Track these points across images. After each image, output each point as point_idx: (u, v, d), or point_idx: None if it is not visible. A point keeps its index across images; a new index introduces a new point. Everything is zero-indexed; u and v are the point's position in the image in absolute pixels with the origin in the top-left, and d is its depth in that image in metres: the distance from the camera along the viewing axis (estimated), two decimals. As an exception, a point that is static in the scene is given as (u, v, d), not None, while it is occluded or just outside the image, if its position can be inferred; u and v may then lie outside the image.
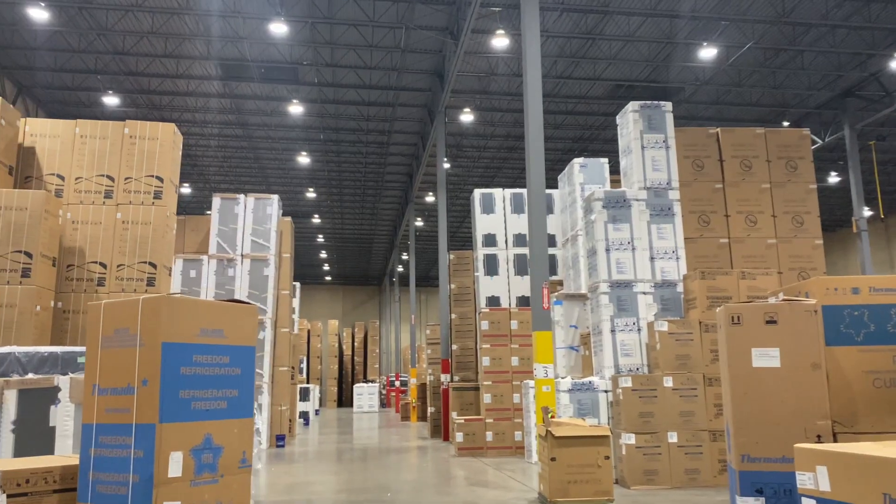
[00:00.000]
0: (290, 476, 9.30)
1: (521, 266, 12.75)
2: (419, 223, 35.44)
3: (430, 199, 30.25)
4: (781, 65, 18.79)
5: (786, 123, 22.42)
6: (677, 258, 8.92)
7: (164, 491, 3.15)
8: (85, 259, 9.79)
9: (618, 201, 8.98)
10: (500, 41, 15.22)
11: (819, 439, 3.80)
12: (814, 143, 22.30)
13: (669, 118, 9.35)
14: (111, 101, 19.48)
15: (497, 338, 12.19)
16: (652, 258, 8.86)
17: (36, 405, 5.55)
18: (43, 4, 14.57)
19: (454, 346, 13.43)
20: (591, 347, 9.24)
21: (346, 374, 39.74)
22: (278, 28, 15.33)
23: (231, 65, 18.10)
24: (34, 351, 6.37)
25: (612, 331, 8.56)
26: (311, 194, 30.04)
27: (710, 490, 7.52)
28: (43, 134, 10.08)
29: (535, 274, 9.05)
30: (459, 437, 11.65)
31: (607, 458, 6.73)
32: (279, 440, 13.79)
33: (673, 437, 7.76)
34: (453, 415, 12.80)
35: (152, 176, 9.98)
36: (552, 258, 12.79)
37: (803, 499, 2.90)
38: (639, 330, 8.57)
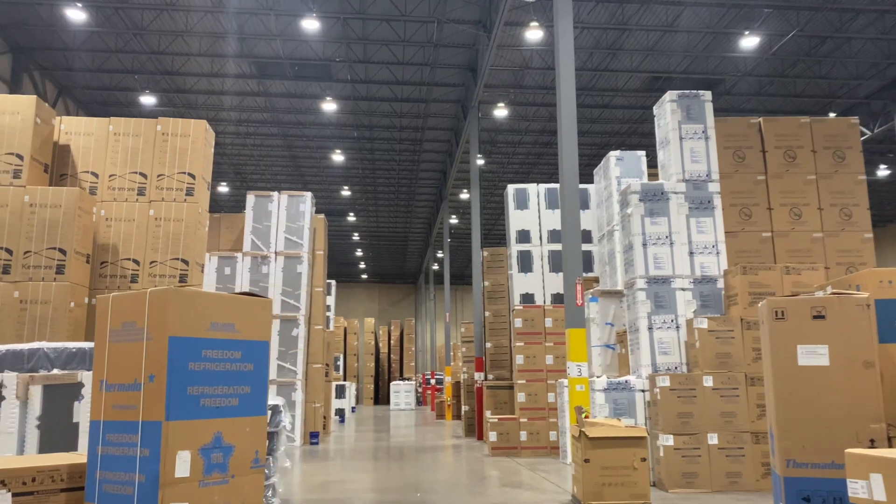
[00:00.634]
0: (322, 474, 9.21)
1: (555, 263, 12.49)
2: (454, 220, 35.27)
3: (464, 195, 30.06)
4: (827, 53, 18.12)
5: (832, 115, 21.67)
6: (717, 253, 8.58)
7: (171, 491, 3.02)
8: (119, 256, 9.85)
9: (655, 194, 8.68)
10: (533, 34, 14.94)
11: (872, 444, 3.51)
12: (862, 134, 21.49)
13: (709, 108, 9.01)
14: (148, 100, 19.72)
15: (531, 335, 11.96)
16: (691, 253, 8.55)
17: (60, 401, 5.52)
18: (80, 5, 14.76)
19: (488, 344, 13.24)
20: (628, 345, 8.96)
21: (382, 372, 39.80)
22: (311, 24, 15.29)
23: (265, 63, 18.16)
24: (62, 347, 6.36)
25: (650, 328, 8.27)
26: (345, 192, 30.09)
27: (752, 495, 7.20)
28: (78, 132, 10.17)
29: (569, 270, 8.80)
30: (493, 436, 11.45)
31: (643, 459, 6.48)
32: (313, 437, 13.76)
33: (713, 439, 7.45)
34: (487, 413, 12.62)
35: (184, 173, 9.99)
36: (588, 254, 12.50)
37: (856, 510, 2.64)
38: (677, 327, 8.27)
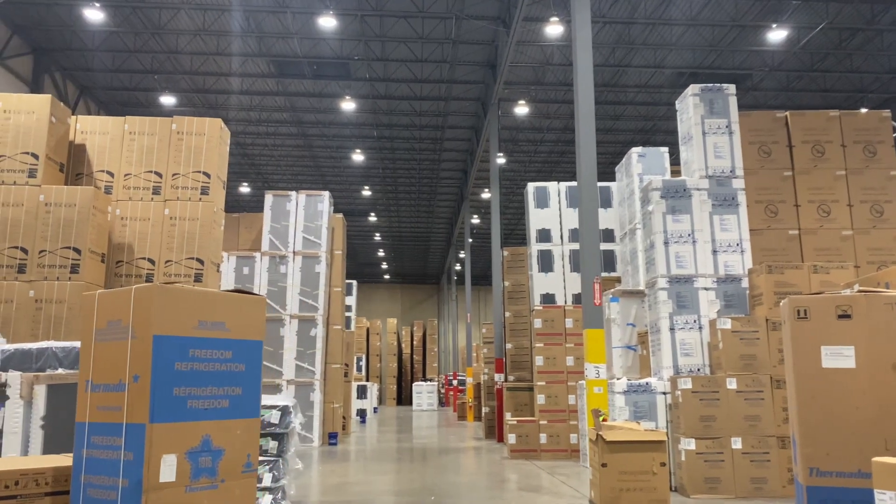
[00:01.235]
0: (337, 475, 9.09)
1: (576, 262, 12.27)
2: (475, 220, 35.07)
3: (485, 195, 29.85)
4: (858, 46, 17.61)
5: (864, 111, 21.07)
6: (742, 251, 8.31)
7: (156, 496, 2.89)
8: (134, 255, 9.82)
9: (677, 191, 8.43)
10: (553, 29, 14.71)
11: (904, 452, 3.27)
12: (894, 129, 20.90)
13: (733, 101, 8.73)
14: (168, 100, 19.82)
15: (551, 336, 11.75)
16: (714, 251, 8.28)
17: (65, 401, 5.45)
18: (98, 5, 14.84)
19: (508, 345, 13.04)
20: (649, 347, 8.71)
21: (405, 373, 39.73)
22: (327, 22, 15.21)
23: (283, 61, 18.14)
24: (71, 346, 6.29)
25: (671, 329, 8.02)
26: (366, 192, 30.05)
27: (777, 501, 6.93)
28: (93, 131, 10.17)
29: (586, 268, 8.58)
30: (512, 438, 11.26)
31: (663, 464, 6.25)
32: (331, 438, 13.67)
33: (737, 443, 7.19)
34: (507, 415, 12.42)
35: (199, 172, 9.94)
36: (610, 254, 12.26)
37: (885, 526, 2.42)
38: (700, 328, 8.01)
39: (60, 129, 9.68)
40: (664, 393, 7.91)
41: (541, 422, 11.28)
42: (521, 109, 20.45)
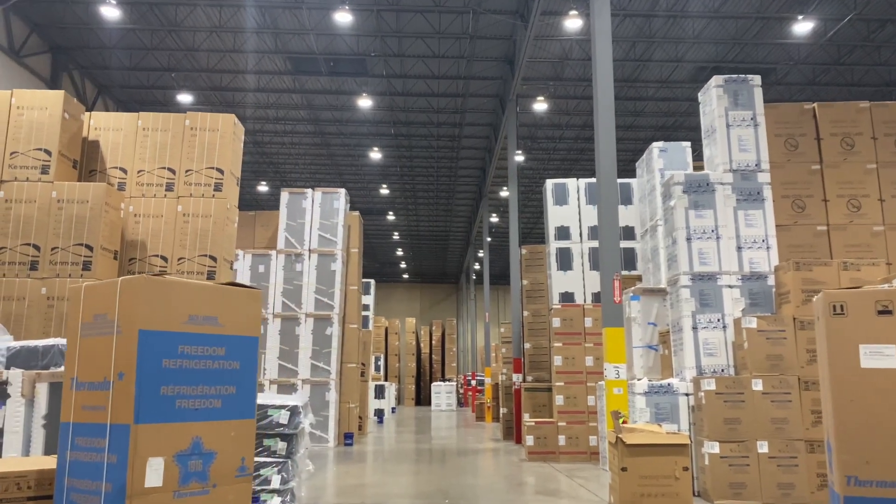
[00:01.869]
0: (350, 477, 8.91)
1: (596, 260, 12.02)
2: (494, 219, 34.80)
3: (504, 193, 29.58)
4: (888, 39, 17.11)
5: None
6: (767, 248, 8.01)
7: (140, 503, 2.70)
8: (147, 252, 9.72)
9: (700, 185, 8.15)
10: (573, 22, 14.43)
11: (951, 461, 3.00)
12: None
13: (758, 93, 8.43)
14: (185, 98, 19.81)
15: (570, 336, 11.51)
16: (739, 248, 7.99)
17: (67, 399, 5.30)
18: (114, 2, 14.81)
19: (527, 345, 12.81)
20: (671, 346, 8.44)
21: (423, 373, 39.57)
22: (343, 18, 15.06)
23: (299, 58, 18.03)
24: (76, 343, 6.16)
25: (694, 328, 7.75)
26: (384, 190, 29.92)
27: (807, 509, 6.63)
28: (107, 127, 10.11)
29: (606, 264, 8.32)
30: (530, 440, 11.03)
31: (686, 469, 6.00)
32: (347, 438, 13.52)
33: (763, 447, 6.91)
34: (525, 416, 12.20)
35: (213, 168, 9.83)
36: (630, 251, 11.98)
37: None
38: (724, 327, 7.73)
39: (74, 125, 9.61)
40: (687, 394, 7.65)
41: (559, 423, 11.05)
42: (540, 106, 20.17)
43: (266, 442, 6.45)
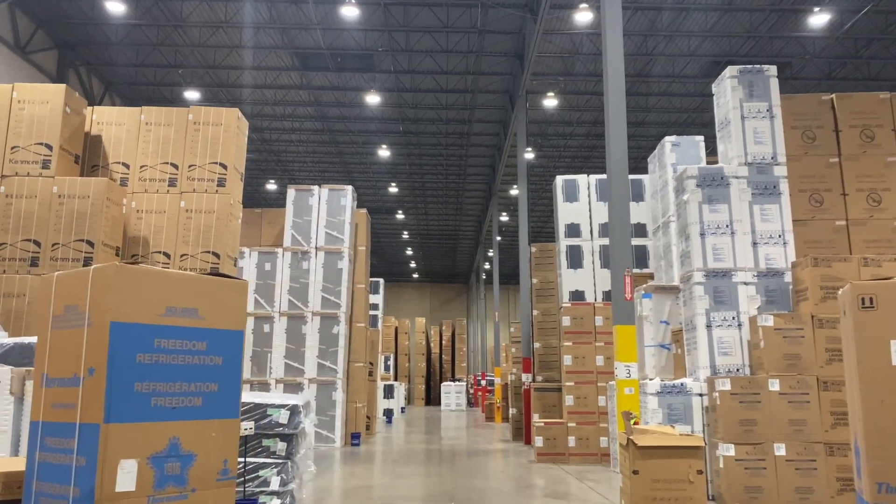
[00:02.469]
0: (356, 478, 8.72)
1: (607, 258, 11.78)
2: (504, 218, 34.54)
3: (514, 192, 29.33)
4: (906, 32, 16.77)
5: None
6: (784, 243, 7.75)
7: (111, 509, 2.50)
8: (149, 249, 9.57)
9: (714, 179, 7.90)
10: (583, 16, 14.17)
11: None
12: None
13: (774, 84, 8.16)
14: (192, 95, 19.69)
15: (580, 335, 11.29)
16: (754, 243, 7.74)
17: (57, 397, 5.13)
18: (118, -3, 14.71)
19: (537, 345, 12.58)
20: (684, 345, 8.19)
21: (433, 373, 39.39)
22: (350, 11, 14.88)
23: (306, 54, 17.86)
24: (71, 340, 5.99)
25: (708, 326, 7.50)
26: (393, 189, 29.73)
27: (826, 514, 6.37)
28: (109, 122, 9.97)
29: (616, 260, 8.08)
30: (539, 441, 10.81)
31: (700, 472, 5.76)
32: (354, 439, 13.34)
33: (780, 450, 6.66)
34: (534, 417, 11.97)
35: (216, 163, 9.67)
36: (642, 249, 11.73)
37: None
38: (739, 325, 7.48)
39: (76, 119, 9.47)
40: (700, 394, 7.41)
41: (569, 424, 10.83)
42: (550, 102, 19.92)
43: (265, 442, 6.26)
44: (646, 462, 5.80)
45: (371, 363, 16.25)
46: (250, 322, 13.30)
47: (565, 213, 12.04)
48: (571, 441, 10.80)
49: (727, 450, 6.69)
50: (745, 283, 7.63)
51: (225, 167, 9.60)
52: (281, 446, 6.25)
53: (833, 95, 8.34)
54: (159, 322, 2.71)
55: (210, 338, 2.88)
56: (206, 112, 10.07)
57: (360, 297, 14.50)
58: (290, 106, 21.30)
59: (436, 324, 45.44)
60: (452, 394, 29.73)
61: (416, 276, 50.74)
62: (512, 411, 14.90)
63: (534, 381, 12.52)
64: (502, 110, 21.40)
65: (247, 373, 13.13)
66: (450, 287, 50.98)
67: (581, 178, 12.24)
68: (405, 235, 39.20)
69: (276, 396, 6.44)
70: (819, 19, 15.52)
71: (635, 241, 11.70)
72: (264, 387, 13.06)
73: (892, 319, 3.01)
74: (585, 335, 11.32)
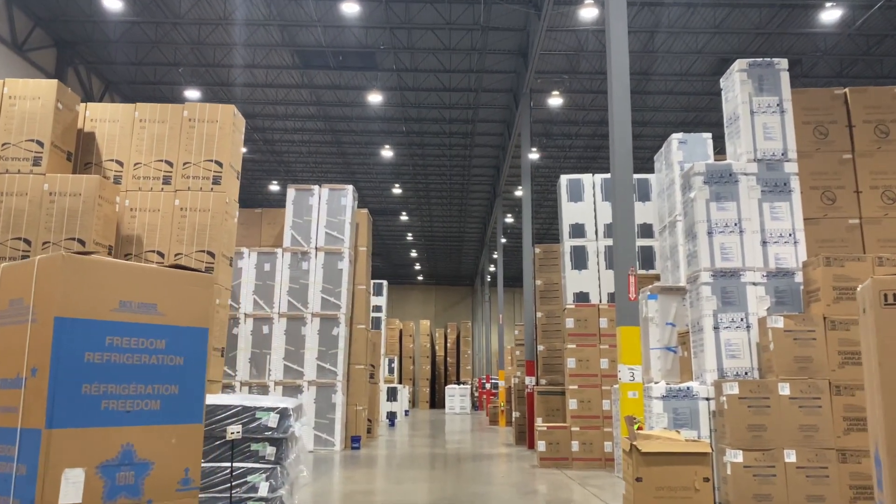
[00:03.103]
0: (352, 483, 8.48)
1: (612, 258, 11.52)
2: (509, 219, 34.28)
3: (518, 193, 29.07)
4: (919, 29, 16.44)
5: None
6: (795, 242, 7.47)
7: (53, 524, 2.26)
8: (143, 248, 9.36)
9: (722, 175, 7.63)
10: (588, 12, 13.93)
11: None
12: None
13: (784, 78, 7.89)
14: (193, 94, 19.53)
15: (584, 337, 11.03)
16: (764, 242, 7.47)
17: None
18: (114, -7, 14.55)
19: (540, 347, 12.33)
20: (690, 348, 7.92)
21: (438, 375, 39.14)
22: (350, 8, 14.66)
23: (307, 52, 17.66)
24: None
25: (716, 328, 7.24)
26: (397, 190, 29.52)
27: (840, 524, 6.10)
28: (103, 119, 9.79)
29: (620, 258, 7.82)
30: (542, 445, 10.56)
31: (707, 479, 5.50)
32: (354, 442, 13.12)
33: (790, 456, 6.39)
34: (537, 421, 11.72)
35: (211, 160, 9.46)
36: (648, 250, 11.47)
37: None
38: (748, 327, 7.21)
39: (68, 116, 9.28)
40: (707, 399, 7.14)
41: (572, 428, 10.57)
42: (555, 101, 19.66)
43: (254, 447, 6.02)
44: (650, 469, 5.56)
45: (372, 365, 16.01)
46: (249, 323, 13.09)
47: (569, 213, 11.80)
48: (575, 445, 10.55)
49: (735, 456, 6.43)
50: (754, 284, 7.36)
51: (220, 165, 9.39)
52: (270, 451, 6.01)
53: (846, 90, 8.07)
54: (112, 318, 2.48)
55: (170, 335, 2.64)
56: (202, 108, 9.87)
57: (360, 298, 14.27)
58: (291, 105, 21.12)
59: (441, 326, 45.22)
60: (457, 397, 29.49)
61: (420, 278, 50.51)
62: (515, 415, 14.65)
63: (537, 384, 12.27)
64: (506, 110, 21.16)
65: (245, 374, 12.92)
66: (455, 289, 50.73)
67: (586, 178, 12.00)
68: (409, 237, 38.98)
69: (265, 399, 6.20)
70: (830, 15, 15.21)
71: (641, 242, 11.45)
72: (263, 389, 12.84)
73: (918, 317, 2.75)
74: (589, 337, 11.07)
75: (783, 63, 7.92)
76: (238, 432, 5.63)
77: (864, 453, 6.39)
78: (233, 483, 5.80)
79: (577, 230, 11.77)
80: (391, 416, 21.50)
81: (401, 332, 36.28)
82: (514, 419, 14.74)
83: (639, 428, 6.12)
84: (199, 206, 9.31)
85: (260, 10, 15.80)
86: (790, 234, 7.51)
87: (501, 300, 24.80)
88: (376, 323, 23.94)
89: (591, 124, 22.17)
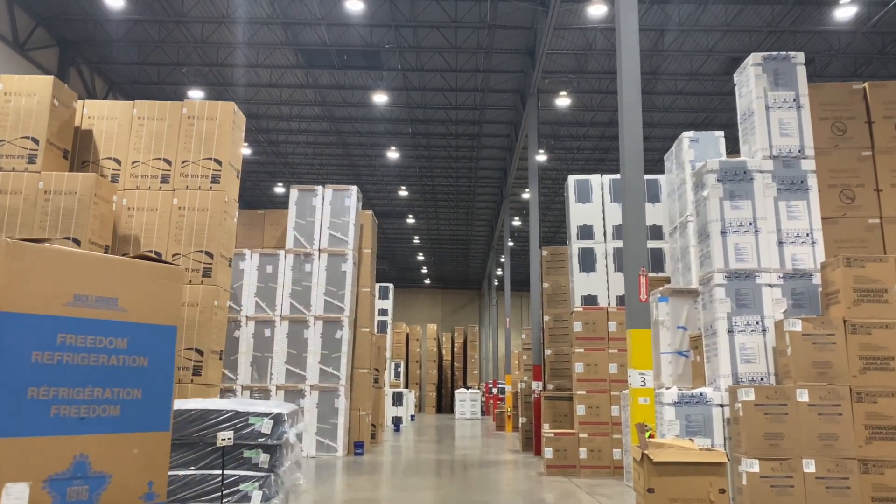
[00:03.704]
0: (352, 490, 8.22)
1: (621, 261, 11.24)
2: (516, 223, 33.99)
3: (526, 195, 28.80)
4: (936, 27, 16.09)
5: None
6: (812, 242, 7.18)
7: (-8, 546, 1.99)
8: (140, 248, 9.15)
9: (736, 173, 7.34)
10: (596, 9, 13.66)
11: None
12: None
13: (801, 72, 7.59)
14: (196, 94, 19.37)
15: (592, 341, 10.74)
16: (780, 242, 7.17)
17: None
18: (115, -10, 14.39)
19: (547, 352, 12.05)
20: (703, 352, 7.61)
21: (445, 380, 38.84)
22: (355, 6, 14.44)
23: (311, 51, 17.45)
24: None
25: (730, 331, 6.94)
26: (403, 192, 29.28)
27: (863, 538, 5.78)
28: (101, 116, 9.62)
29: (630, 259, 7.53)
30: (549, 452, 10.27)
31: (723, 491, 5.22)
32: (357, 448, 12.86)
33: (809, 466, 6.08)
34: (544, 427, 11.43)
35: (210, 159, 9.27)
36: (658, 253, 11.18)
37: None
38: (763, 330, 6.91)
39: (65, 113, 9.09)
40: (721, 405, 6.85)
41: (580, 435, 10.29)
42: (562, 101, 19.38)
43: (246, 454, 5.77)
44: (662, 479, 5.27)
45: (377, 369, 15.75)
46: (251, 326, 12.86)
47: (577, 214, 11.53)
48: (583, 453, 10.26)
49: (751, 465, 6.13)
50: (770, 285, 7.06)
51: (220, 163, 9.18)
52: (264, 458, 5.76)
53: (865, 84, 7.76)
54: (65, 313, 2.21)
55: (133, 333, 2.38)
56: (201, 106, 9.69)
57: (365, 301, 14.02)
58: (296, 106, 20.93)
59: (448, 330, 44.94)
60: (468, 402, 29.18)
61: (427, 282, 50.26)
62: (522, 420, 14.36)
63: (544, 389, 11.99)
64: (513, 110, 20.90)
65: (247, 378, 12.68)
66: (462, 293, 50.45)
67: (594, 178, 11.73)
68: (416, 240, 38.75)
69: (259, 404, 5.95)
70: (845, 12, 14.87)
71: (651, 244, 11.16)
72: (264, 393, 12.59)
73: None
74: (598, 341, 10.79)
75: (799, 57, 7.62)
76: (230, 438, 5.38)
77: (888, 463, 6.08)
78: (224, 492, 5.55)
79: (586, 232, 11.50)
80: (396, 421, 21.23)
81: (407, 336, 36.00)
82: (520, 425, 14.45)
83: (650, 436, 5.83)
84: (197, 205, 9.11)
85: (263, 9, 15.61)
86: (807, 234, 7.21)
87: (508, 304, 24.52)
88: (382, 327, 23.70)
89: (600, 125, 21.88)
